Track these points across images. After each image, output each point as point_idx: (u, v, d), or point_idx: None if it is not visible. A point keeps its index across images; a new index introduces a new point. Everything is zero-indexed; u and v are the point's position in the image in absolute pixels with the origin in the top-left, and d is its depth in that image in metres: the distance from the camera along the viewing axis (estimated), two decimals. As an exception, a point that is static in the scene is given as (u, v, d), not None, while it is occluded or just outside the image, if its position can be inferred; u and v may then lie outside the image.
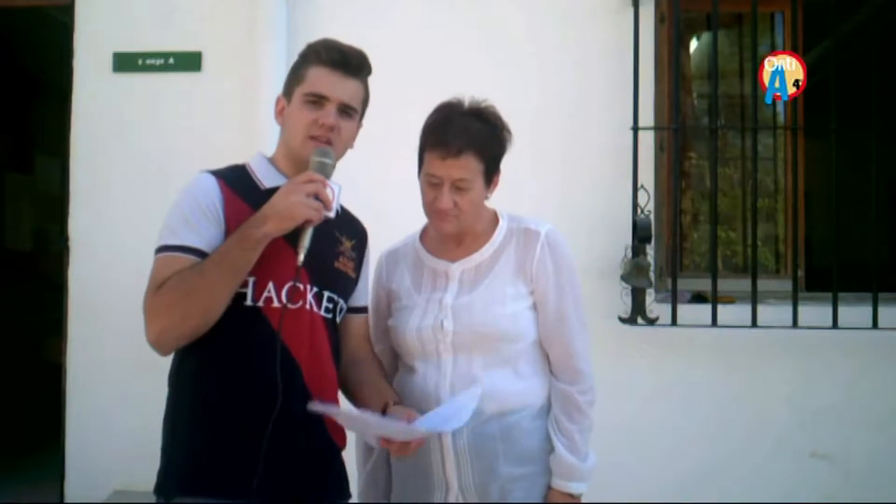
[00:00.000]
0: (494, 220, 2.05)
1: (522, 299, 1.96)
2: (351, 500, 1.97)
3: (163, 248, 1.77)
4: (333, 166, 1.81)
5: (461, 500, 1.93)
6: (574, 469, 1.94)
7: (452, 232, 1.96)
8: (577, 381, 1.97)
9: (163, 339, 1.72)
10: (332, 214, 1.76)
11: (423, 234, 2.10)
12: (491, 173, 1.97)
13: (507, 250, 1.99)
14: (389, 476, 2.08)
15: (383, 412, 1.80)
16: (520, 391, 1.95)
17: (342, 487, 1.94)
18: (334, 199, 1.75)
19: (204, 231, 1.75)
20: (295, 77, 1.88)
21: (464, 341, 1.92)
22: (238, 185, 1.84)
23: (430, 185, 1.93)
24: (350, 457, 1.99)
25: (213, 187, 1.81)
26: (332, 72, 1.84)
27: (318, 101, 1.83)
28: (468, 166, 1.89)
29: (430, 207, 1.94)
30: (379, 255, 2.14)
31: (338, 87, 1.84)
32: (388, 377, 2.03)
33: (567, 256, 2.00)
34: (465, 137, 1.89)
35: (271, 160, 1.93)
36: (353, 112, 1.88)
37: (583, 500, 1.99)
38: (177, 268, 1.72)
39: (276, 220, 1.69)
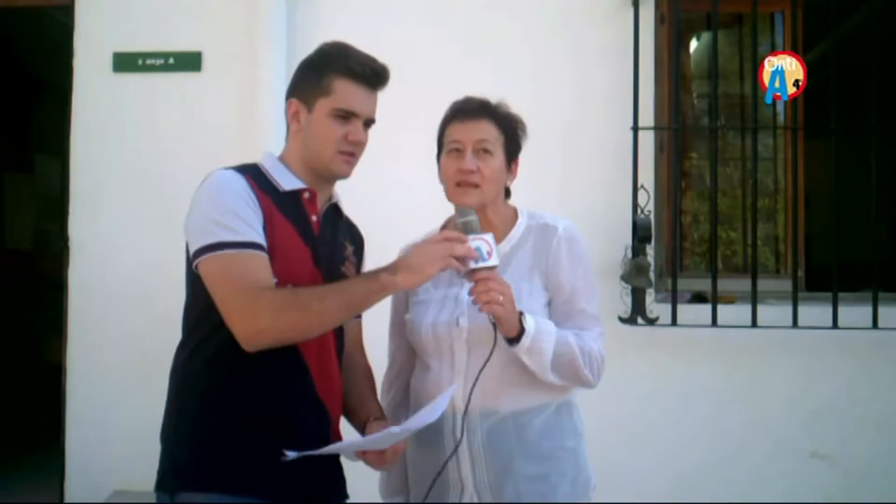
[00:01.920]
0: (514, 216, 2.05)
1: (538, 295, 1.95)
2: (349, 501, 1.97)
3: (227, 245, 1.70)
4: (478, 220, 1.84)
5: (476, 500, 1.92)
6: (547, 324, 1.88)
7: (474, 205, 1.94)
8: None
9: (258, 339, 1.69)
10: (495, 262, 1.79)
11: (444, 230, 2.08)
12: (510, 154, 2.00)
13: (525, 246, 1.99)
14: (406, 475, 2.09)
15: (363, 427, 1.87)
16: (536, 390, 1.93)
17: (340, 488, 1.95)
18: (492, 248, 1.79)
19: (257, 227, 1.74)
20: (318, 85, 1.84)
21: (479, 338, 1.89)
22: (263, 186, 1.82)
23: (453, 152, 1.97)
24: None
25: (246, 187, 1.78)
26: (362, 87, 1.84)
27: (346, 116, 1.84)
28: (488, 130, 1.96)
29: (454, 177, 1.95)
30: (399, 250, 2.10)
31: (366, 102, 1.86)
32: (374, 389, 2.03)
33: (584, 251, 2.01)
34: (484, 107, 1.99)
35: (283, 162, 1.91)
36: (372, 123, 1.90)
37: (584, 501, 1.99)
38: (262, 265, 1.71)
39: (408, 273, 1.71)
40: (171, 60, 3.80)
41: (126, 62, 3.81)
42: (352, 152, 1.85)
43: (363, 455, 1.78)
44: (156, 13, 3.83)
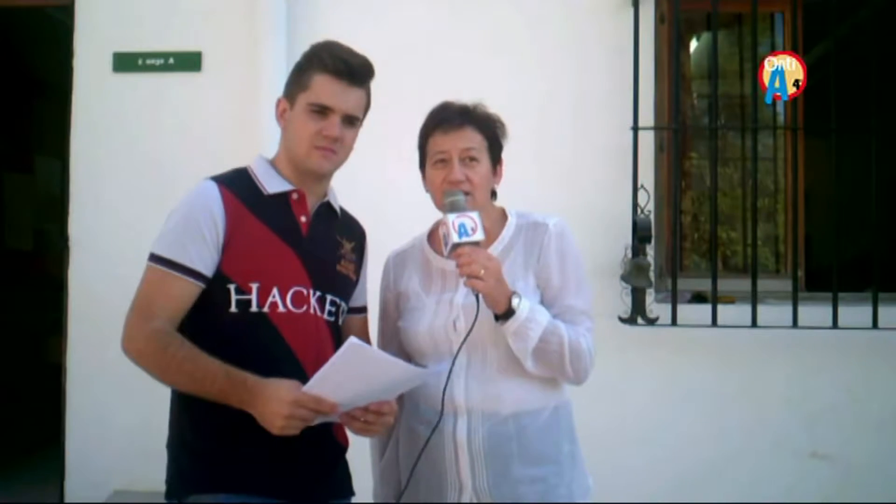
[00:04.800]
0: (503, 217, 2.05)
1: (533, 294, 1.93)
2: (354, 499, 1.98)
3: (157, 259, 1.79)
4: (464, 199, 1.85)
5: (475, 501, 1.91)
6: (539, 314, 1.87)
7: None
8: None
9: (126, 352, 1.79)
10: (479, 237, 1.79)
11: (431, 235, 2.08)
12: (495, 158, 2.00)
13: (517, 246, 1.99)
14: (399, 479, 2.06)
15: (364, 408, 1.82)
16: (536, 391, 1.93)
17: (346, 486, 1.96)
18: (476, 224, 1.80)
19: (196, 252, 1.78)
20: (298, 82, 1.87)
21: (477, 340, 1.89)
22: (241, 192, 1.85)
23: (439, 163, 1.95)
24: (355, 456, 1.99)
25: (214, 198, 1.81)
26: (337, 81, 1.84)
27: (322, 111, 1.84)
28: (473, 138, 1.95)
29: (442, 187, 1.93)
30: (386, 258, 2.12)
31: (342, 97, 1.85)
32: None
33: (573, 246, 2.00)
34: (465, 114, 1.97)
35: (273, 163, 1.94)
36: (356, 121, 1.90)
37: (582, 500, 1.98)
38: (173, 292, 1.77)
39: (258, 417, 1.68)
40: (171, 60, 3.80)
41: (126, 62, 3.81)
42: (328, 147, 1.85)
43: (348, 421, 1.75)
44: (156, 13, 3.83)
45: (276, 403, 1.63)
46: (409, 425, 1.99)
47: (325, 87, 1.84)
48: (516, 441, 1.90)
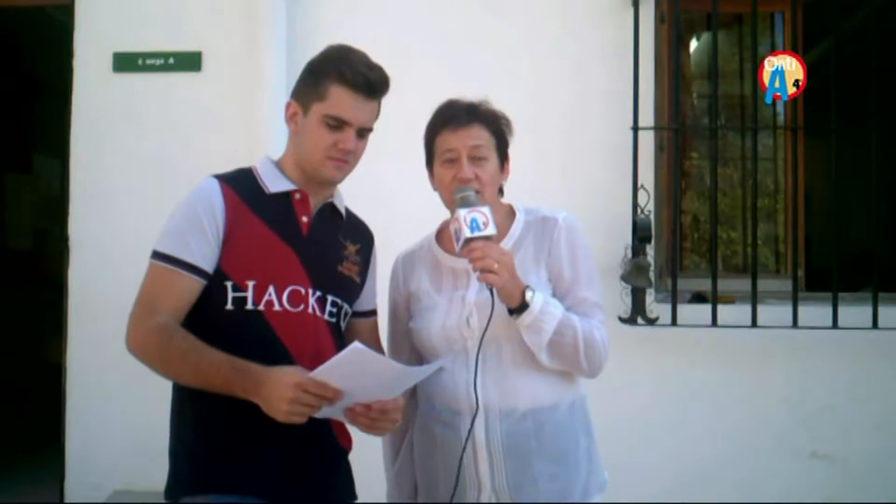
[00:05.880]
0: (511, 213, 2.05)
1: (545, 288, 1.93)
2: (358, 501, 1.97)
3: (159, 256, 1.79)
4: (475, 194, 1.86)
5: (494, 500, 1.90)
6: (553, 306, 1.87)
7: None
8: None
9: (130, 348, 1.78)
10: (492, 232, 1.80)
11: (440, 235, 2.08)
12: (502, 155, 2.00)
13: (526, 241, 1.98)
14: (414, 480, 2.07)
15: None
16: (551, 385, 1.92)
17: (348, 488, 1.95)
18: (488, 219, 1.80)
19: (198, 248, 1.78)
20: (314, 90, 1.85)
21: (491, 336, 1.87)
22: (243, 190, 1.85)
23: (448, 161, 1.95)
24: (362, 458, 1.99)
25: (215, 194, 1.82)
26: (356, 95, 1.83)
27: (338, 123, 1.83)
28: (481, 135, 1.95)
29: (451, 185, 1.92)
30: (394, 260, 2.12)
31: (359, 110, 1.85)
32: None
33: (583, 239, 2.00)
34: (472, 112, 1.97)
35: (279, 164, 1.93)
36: (368, 132, 1.90)
37: (597, 499, 1.98)
38: (176, 288, 1.77)
39: (263, 404, 1.66)
40: (171, 60, 3.80)
41: (126, 62, 3.81)
42: (342, 159, 1.85)
43: (353, 417, 1.73)
44: (156, 13, 3.83)
45: (282, 387, 1.63)
46: (425, 425, 1.99)
47: (343, 101, 1.83)
48: (535, 438, 1.89)
